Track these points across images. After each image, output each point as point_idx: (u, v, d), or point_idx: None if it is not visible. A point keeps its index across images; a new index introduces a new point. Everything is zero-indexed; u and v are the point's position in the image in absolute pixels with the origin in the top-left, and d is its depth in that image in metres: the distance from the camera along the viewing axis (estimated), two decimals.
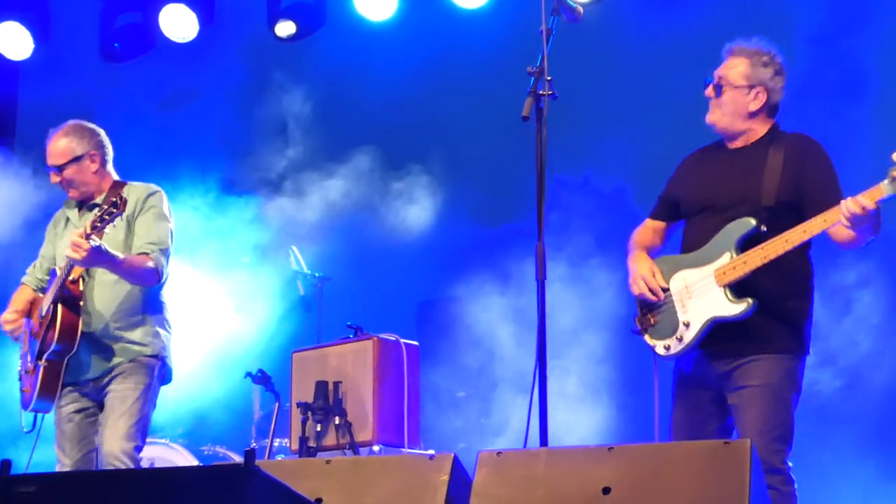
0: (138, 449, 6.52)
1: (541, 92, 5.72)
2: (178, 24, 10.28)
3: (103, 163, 6.82)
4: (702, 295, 5.83)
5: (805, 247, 5.82)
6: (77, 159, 6.75)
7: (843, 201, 5.47)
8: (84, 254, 6.19)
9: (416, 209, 9.73)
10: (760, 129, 5.97)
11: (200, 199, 9.68)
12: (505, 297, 8.91)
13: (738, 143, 6.02)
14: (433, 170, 9.77)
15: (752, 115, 5.94)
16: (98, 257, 6.28)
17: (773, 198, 5.79)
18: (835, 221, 5.52)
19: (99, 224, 6.20)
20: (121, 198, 6.19)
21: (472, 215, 9.58)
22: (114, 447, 6.43)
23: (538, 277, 5.61)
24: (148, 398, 6.62)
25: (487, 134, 9.59)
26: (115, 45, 10.68)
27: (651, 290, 5.95)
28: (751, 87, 5.92)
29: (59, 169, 6.75)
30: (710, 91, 5.99)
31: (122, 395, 6.54)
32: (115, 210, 6.19)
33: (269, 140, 10.18)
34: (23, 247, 7.70)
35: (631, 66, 9.28)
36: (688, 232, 6.09)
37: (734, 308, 5.75)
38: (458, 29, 10.04)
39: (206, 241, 9.49)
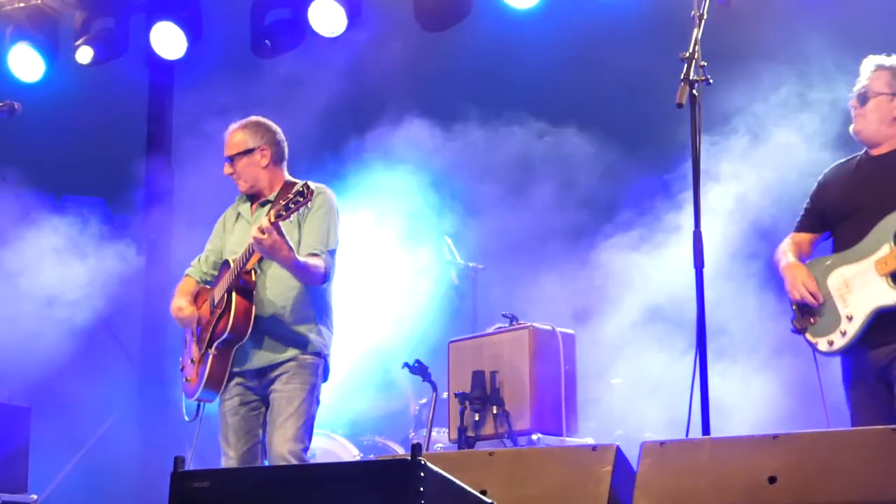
0: (305, 450, 6.61)
1: (694, 78, 5.67)
2: (327, 19, 10.36)
3: (275, 160, 6.91)
4: (862, 287, 5.86)
5: None
6: (248, 152, 6.86)
7: None
8: (270, 241, 6.29)
9: (567, 197, 9.70)
10: None
11: (352, 191, 9.77)
12: (660, 282, 8.84)
13: (882, 150, 6.12)
14: (583, 157, 9.73)
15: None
16: (280, 247, 6.36)
17: None
18: None
19: (284, 213, 6.26)
20: (307, 188, 6.27)
21: (627, 202, 9.52)
22: (282, 449, 6.51)
23: (696, 265, 5.58)
24: (314, 398, 6.70)
25: (639, 119, 9.52)
26: (266, 41, 10.79)
27: (811, 296, 6.00)
28: (894, 94, 6.05)
29: (231, 160, 6.88)
30: (854, 102, 6.15)
31: (289, 396, 6.62)
32: (301, 199, 6.25)
33: (425, 133, 10.20)
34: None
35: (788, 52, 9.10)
36: (839, 236, 6.16)
37: None
38: (605, 14, 9.96)
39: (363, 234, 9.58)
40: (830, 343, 5.94)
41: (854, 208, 6.05)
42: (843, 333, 5.89)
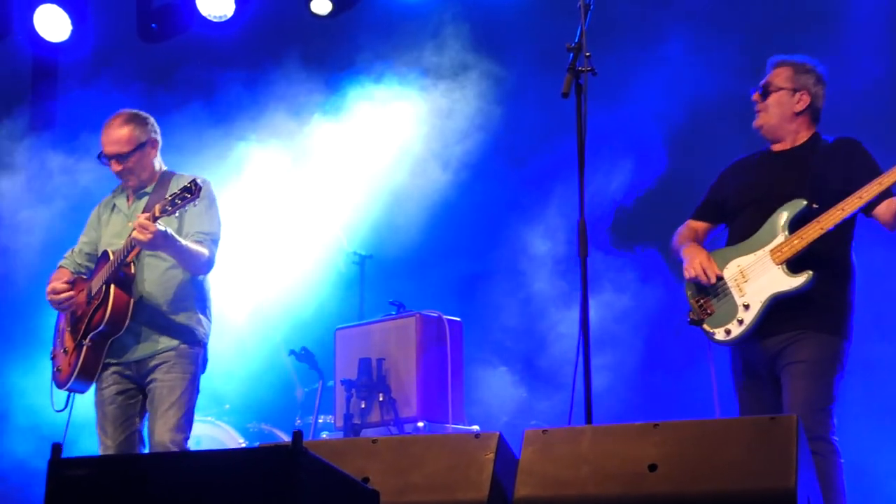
0: (186, 439, 6.60)
1: (580, 68, 5.69)
2: (215, 2, 10.25)
3: (159, 151, 6.87)
4: (759, 276, 5.92)
5: (849, 244, 6.00)
6: (141, 146, 6.78)
7: None
8: (150, 236, 6.24)
9: (458, 184, 9.70)
10: (804, 132, 6.20)
11: (241, 178, 9.69)
12: (548, 271, 8.89)
13: (783, 146, 6.22)
14: (476, 147, 9.73)
15: (797, 115, 6.17)
16: (163, 241, 6.34)
17: (821, 181, 5.94)
18: (893, 181, 5.69)
19: (169, 208, 6.25)
20: (196, 185, 6.23)
21: (516, 189, 9.55)
22: (164, 438, 6.48)
23: (580, 254, 5.59)
24: (195, 388, 6.68)
25: (527, 110, 9.53)
26: (153, 25, 10.64)
27: (706, 274, 6.02)
28: (795, 90, 6.17)
29: (124, 157, 6.75)
30: (756, 96, 6.24)
31: (170, 386, 6.58)
32: (188, 196, 6.23)
33: (314, 119, 10.14)
34: None
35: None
36: (734, 228, 6.23)
37: (794, 281, 5.84)
38: (495, 5, 9.98)
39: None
40: (728, 332, 5.96)
41: (750, 202, 6.14)
42: (741, 322, 5.92)
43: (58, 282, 6.83)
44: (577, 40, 5.73)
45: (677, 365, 8.35)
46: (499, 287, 9.37)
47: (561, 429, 4.83)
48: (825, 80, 6.24)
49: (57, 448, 4.12)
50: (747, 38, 8.36)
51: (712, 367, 6.08)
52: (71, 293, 6.77)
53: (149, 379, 6.64)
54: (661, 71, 8.89)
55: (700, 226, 6.43)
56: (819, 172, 5.98)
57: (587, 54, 5.69)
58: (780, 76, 6.21)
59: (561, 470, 4.56)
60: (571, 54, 5.69)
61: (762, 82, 6.25)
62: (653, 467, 4.43)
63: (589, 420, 5.28)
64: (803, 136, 6.18)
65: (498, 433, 4.76)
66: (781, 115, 6.17)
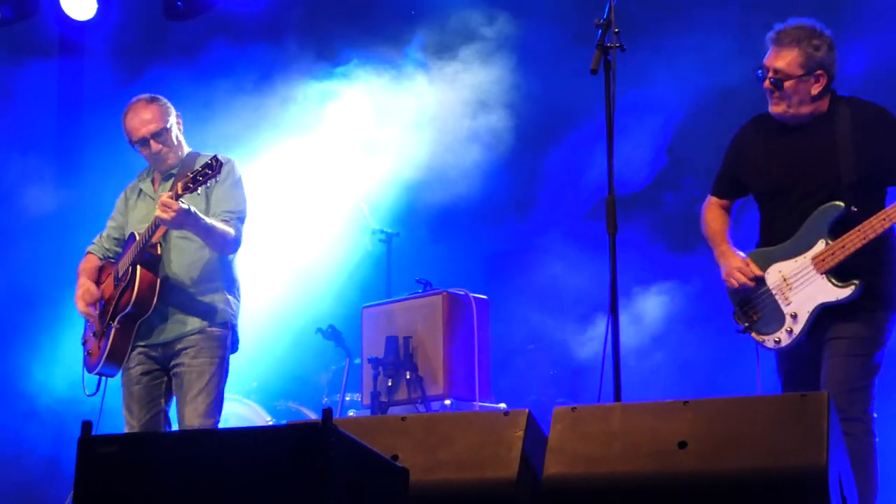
0: (216, 424, 6.60)
1: (608, 45, 5.65)
2: None
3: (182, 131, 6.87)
4: (803, 285, 5.84)
5: None
6: (170, 126, 6.77)
7: None
8: (173, 214, 6.22)
9: (484, 161, 9.68)
10: (823, 105, 5.97)
11: (266, 157, 9.69)
12: (575, 248, 8.87)
13: (804, 121, 6.00)
14: (503, 122, 9.70)
15: (816, 98, 5.93)
16: (186, 219, 6.31)
17: (854, 175, 5.81)
18: None
19: (191, 185, 6.22)
20: (216, 160, 6.22)
21: (542, 169, 9.53)
22: (194, 424, 6.48)
23: (609, 231, 5.58)
24: (223, 372, 6.68)
25: (554, 85, 9.50)
26: (178, 3, 10.66)
27: (748, 280, 5.97)
28: (810, 73, 5.89)
29: (161, 133, 6.72)
30: (768, 85, 5.96)
31: (198, 371, 6.58)
32: (209, 172, 6.22)
33: (338, 98, 10.13)
34: None
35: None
36: (767, 218, 6.11)
37: (842, 293, 5.78)
38: None
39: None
40: (777, 341, 5.91)
41: (779, 189, 6.00)
42: (790, 332, 5.87)
43: (84, 300, 6.84)
44: (605, 16, 5.70)
45: (721, 343, 8.32)
46: (525, 264, 9.36)
47: (590, 406, 4.81)
48: (833, 40, 5.94)
49: (87, 425, 4.13)
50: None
51: (758, 348, 6.04)
52: (93, 313, 6.79)
53: (176, 363, 6.64)
54: (672, 57, 8.85)
55: (724, 203, 6.29)
56: (848, 156, 5.81)
57: (616, 30, 5.65)
58: (789, 63, 5.87)
59: (590, 447, 4.55)
60: (600, 30, 5.66)
61: (769, 67, 5.93)
62: (682, 444, 4.41)
63: (618, 397, 5.27)
64: (822, 109, 5.95)
65: (527, 411, 4.75)
66: (800, 101, 5.91)
